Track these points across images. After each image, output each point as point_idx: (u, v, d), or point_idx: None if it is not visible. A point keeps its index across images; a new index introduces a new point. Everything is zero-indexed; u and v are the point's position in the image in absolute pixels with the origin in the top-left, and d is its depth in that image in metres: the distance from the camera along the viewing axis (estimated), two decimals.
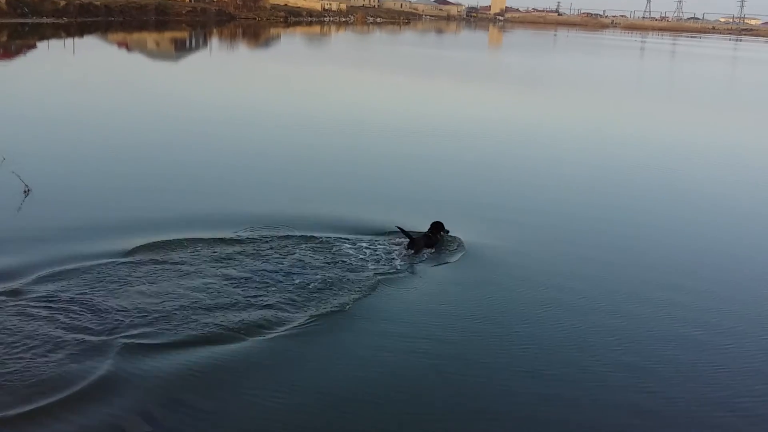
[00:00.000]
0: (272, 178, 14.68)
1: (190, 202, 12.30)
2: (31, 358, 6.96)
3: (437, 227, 10.75)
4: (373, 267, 9.76)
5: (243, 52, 59.23)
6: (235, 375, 6.96)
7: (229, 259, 9.72)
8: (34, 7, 67.14)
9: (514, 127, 24.60)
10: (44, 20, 65.72)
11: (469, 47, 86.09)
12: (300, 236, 10.61)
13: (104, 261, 9.34)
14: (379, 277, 9.39)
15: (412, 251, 10.26)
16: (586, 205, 14.13)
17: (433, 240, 10.63)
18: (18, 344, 7.18)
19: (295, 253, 10.01)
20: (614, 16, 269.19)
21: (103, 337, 7.41)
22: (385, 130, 21.67)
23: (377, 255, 10.17)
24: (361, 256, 10.05)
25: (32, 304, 8.05)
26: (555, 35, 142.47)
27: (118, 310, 8.02)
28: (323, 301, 8.62)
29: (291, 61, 49.18)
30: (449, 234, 10.87)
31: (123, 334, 7.49)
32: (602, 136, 23.76)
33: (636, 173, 17.55)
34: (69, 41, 50.79)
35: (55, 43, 49.28)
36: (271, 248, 10.18)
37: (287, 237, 10.56)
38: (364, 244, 10.46)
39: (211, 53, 54.45)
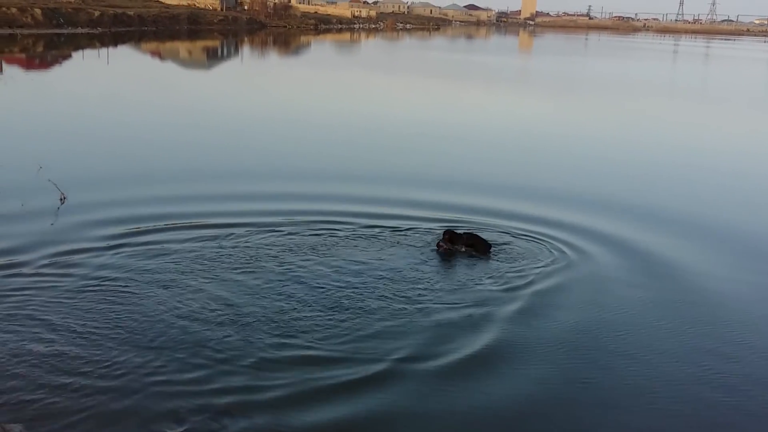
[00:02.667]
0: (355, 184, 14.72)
1: (218, 208, 12.25)
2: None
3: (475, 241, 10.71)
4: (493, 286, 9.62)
5: (274, 59, 59.59)
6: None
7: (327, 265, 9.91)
8: (69, 18, 68.25)
9: (552, 132, 24.33)
10: (79, 30, 66.76)
11: (499, 52, 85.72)
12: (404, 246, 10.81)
13: (141, 271, 9.36)
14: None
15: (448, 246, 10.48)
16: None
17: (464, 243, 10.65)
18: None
19: (401, 270, 9.92)
20: (646, 19, 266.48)
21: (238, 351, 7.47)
22: (416, 132, 21.56)
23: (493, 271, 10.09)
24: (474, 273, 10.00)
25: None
26: (586, 39, 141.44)
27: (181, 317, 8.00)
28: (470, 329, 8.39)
29: (322, 68, 49.32)
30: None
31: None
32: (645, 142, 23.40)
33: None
34: (103, 51, 51.47)
35: (89, 53, 49.98)
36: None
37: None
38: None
39: (242, 61, 54.88)
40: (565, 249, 11.06)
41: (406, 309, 8.68)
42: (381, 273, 9.72)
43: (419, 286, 9.40)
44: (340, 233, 11.30)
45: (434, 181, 15.33)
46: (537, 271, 10.13)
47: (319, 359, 7.40)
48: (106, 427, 6.13)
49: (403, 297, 9.03)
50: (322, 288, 9.14)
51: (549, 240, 11.40)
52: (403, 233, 11.46)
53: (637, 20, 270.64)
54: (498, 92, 37.92)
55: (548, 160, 18.79)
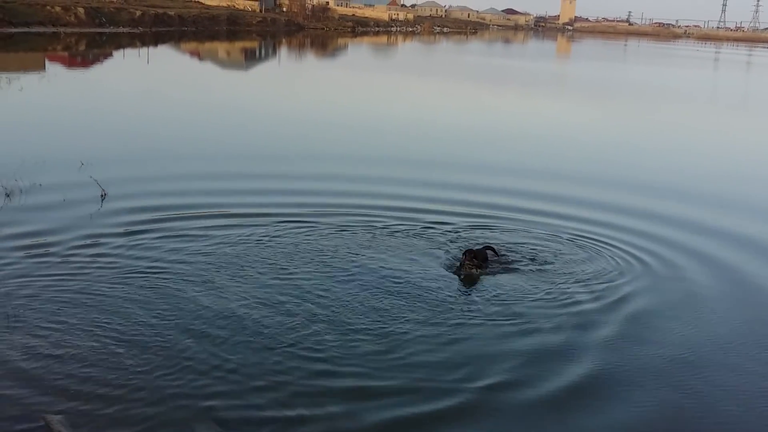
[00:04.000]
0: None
1: (259, 202, 12.33)
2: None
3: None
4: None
5: (311, 61, 59.90)
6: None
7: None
8: (111, 18, 69.39)
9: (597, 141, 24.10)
10: (121, 30, 67.82)
11: (537, 57, 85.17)
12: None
13: (182, 267, 9.48)
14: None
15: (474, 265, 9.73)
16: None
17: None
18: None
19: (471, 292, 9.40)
20: (687, 26, 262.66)
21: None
22: (455, 136, 21.51)
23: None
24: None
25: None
26: (625, 45, 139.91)
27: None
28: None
29: (359, 71, 49.46)
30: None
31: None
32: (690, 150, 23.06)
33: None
34: (143, 50, 52.21)
35: (130, 52, 50.73)
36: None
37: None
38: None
39: (279, 62, 55.24)
40: (628, 257, 10.76)
41: (471, 328, 8.26)
42: (430, 282, 9.43)
43: (476, 300, 9.03)
44: (387, 233, 11.37)
45: (476, 184, 15.21)
46: (607, 284, 9.72)
47: (375, 391, 6.89)
48: (146, 420, 6.19)
49: (463, 312, 8.64)
50: (368, 300, 8.77)
51: (603, 246, 11.20)
52: (447, 233, 11.51)
53: (678, 27, 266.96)
54: (536, 97, 37.66)
55: (591, 167, 18.60)
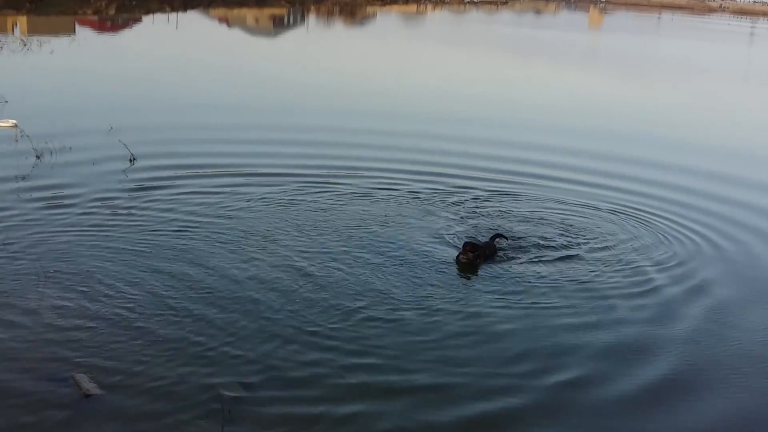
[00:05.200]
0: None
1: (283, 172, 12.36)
2: None
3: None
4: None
5: (339, 29, 59.51)
6: None
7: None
8: None
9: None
10: None
11: (568, 29, 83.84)
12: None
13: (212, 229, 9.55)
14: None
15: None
16: None
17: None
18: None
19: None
20: (722, 0, 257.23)
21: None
22: (489, 104, 21.31)
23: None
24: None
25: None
26: (659, 18, 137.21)
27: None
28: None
29: (387, 39, 49.06)
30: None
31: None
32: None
33: None
34: (172, 16, 52.15)
35: (159, 18, 50.68)
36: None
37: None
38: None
39: (308, 30, 54.93)
40: (683, 236, 10.47)
41: (536, 318, 7.88)
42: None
43: (541, 287, 8.61)
44: (414, 199, 11.50)
45: (509, 153, 15.07)
46: (664, 266, 9.37)
47: (440, 389, 6.55)
48: (173, 382, 6.28)
49: (525, 301, 8.27)
50: (400, 278, 8.55)
51: (651, 218, 11.07)
52: (476, 200, 11.55)
53: (713, 1, 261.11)
54: (567, 69, 37.13)
55: (630, 141, 18.35)
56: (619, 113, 23.19)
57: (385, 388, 6.45)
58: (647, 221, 11.10)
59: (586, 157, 15.48)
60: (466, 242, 9.20)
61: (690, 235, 10.68)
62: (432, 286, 8.45)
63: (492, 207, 11.33)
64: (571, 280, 8.84)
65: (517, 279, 8.81)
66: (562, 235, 10.27)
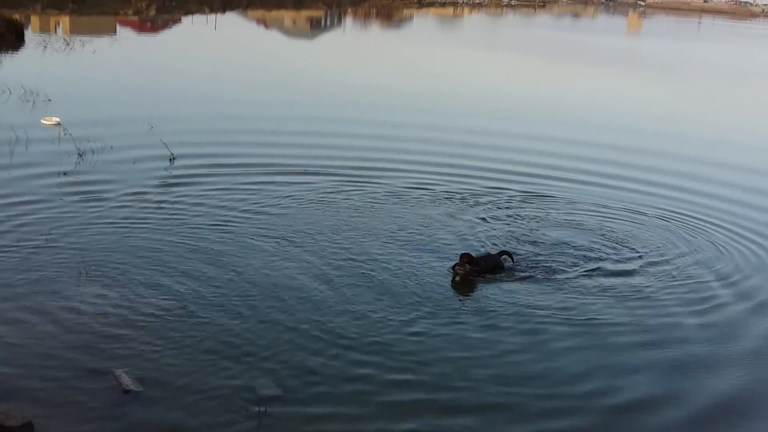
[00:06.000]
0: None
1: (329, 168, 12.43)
2: None
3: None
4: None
5: (376, 31, 59.62)
6: None
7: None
8: None
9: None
10: None
11: (606, 32, 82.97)
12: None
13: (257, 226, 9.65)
14: None
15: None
16: None
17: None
18: None
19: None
20: (765, 5, 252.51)
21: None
22: (526, 110, 21.20)
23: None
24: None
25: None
26: (699, 23, 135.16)
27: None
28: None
29: (424, 42, 49.02)
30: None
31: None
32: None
33: None
34: (211, 17, 52.69)
35: (198, 19, 51.24)
36: None
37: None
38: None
39: (344, 32, 55.11)
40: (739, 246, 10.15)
41: (594, 335, 7.59)
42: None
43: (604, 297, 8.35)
44: (447, 200, 11.53)
45: (548, 155, 14.99)
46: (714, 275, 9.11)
47: (494, 410, 6.27)
48: (210, 376, 6.34)
49: (580, 316, 7.91)
50: (437, 287, 8.38)
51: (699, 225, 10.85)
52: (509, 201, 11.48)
53: (756, 5, 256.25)
54: (606, 72, 36.74)
55: (672, 143, 18.09)
56: (661, 115, 22.85)
57: (431, 406, 6.23)
58: (700, 229, 10.84)
59: (629, 158, 15.33)
60: (463, 254, 8.71)
61: (750, 246, 10.31)
62: (478, 298, 8.30)
63: (528, 211, 11.27)
64: (627, 295, 8.50)
65: (570, 292, 8.45)
66: (609, 243, 10.00)
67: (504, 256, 9.14)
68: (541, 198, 11.98)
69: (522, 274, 8.86)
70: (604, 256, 9.56)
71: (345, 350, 6.93)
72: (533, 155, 14.94)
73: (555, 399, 6.46)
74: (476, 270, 8.58)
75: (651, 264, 9.46)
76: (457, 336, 7.37)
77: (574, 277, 8.85)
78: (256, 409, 5.94)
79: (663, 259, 9.65)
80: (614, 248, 9.87)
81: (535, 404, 6.35)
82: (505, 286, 8.56)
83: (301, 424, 5.89)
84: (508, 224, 10.64)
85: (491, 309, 7.99)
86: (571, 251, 9.65)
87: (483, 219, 10.80)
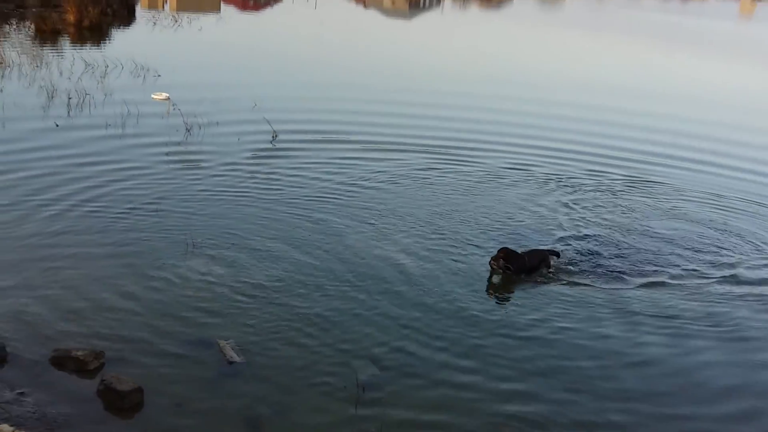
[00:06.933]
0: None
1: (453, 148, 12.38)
2: None
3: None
4: None
5: (474, 12, 58.87)
6: None
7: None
8: None
9: None
10: None
11: (716, 16, 79.29)
12: None
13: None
14: None
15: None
16: None
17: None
18: None
19: None
20: None
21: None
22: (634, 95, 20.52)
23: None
24: None
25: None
26: None
27: None
28: None
29: (525, 24, 48.09)
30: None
31: None
32: None
33: None
34: None
35: None
36: None
37: None
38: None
39: (443, 12, 54.65)
40: None
41: (737, 351, 6.99)
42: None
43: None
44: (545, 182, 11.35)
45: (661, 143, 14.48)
46: None
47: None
48: (311, 353, 6.41)
49: (716, 327, 7.27)
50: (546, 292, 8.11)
51: None
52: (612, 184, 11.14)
53: None
54: (720, 58, 35.12)
55: None
56: None
57: (537, 420, 5.83)
58: None
59: (749, 150, 14.65)
60: (501, 248, 8.14)
61: None
62: (592, 303, 7.68)
63: (636, 198, 10.93)
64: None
65: (704, 299, 7.79)
66: (729, 240, 9.40)
67: (551, 256, 8.43)
68: (646, 184, 11.61)
69: (612, 271, 8.27)
70: (728, 255, 8.95)
71: (443, 341, 6.83)
72: (643, 141, 14.56)
73: (692, 420, 5.93)
74: (509, 267, 7.93)
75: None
76: (573, 340, 6.97)
77: (701, 280, 8.24)
78: (355, 389, 5.96)
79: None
80: (735, 246, 9.29)
81: (666, 426, 5.83)
82: (609, 284, 8.06)
83: (399, 408, 5.86)
84: (612, 213, 10.31)
85: (603, 316, 7.44)
86: (685, 247, 9.18)
87: (586, 206, 10.49)
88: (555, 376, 6.37)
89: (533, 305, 7.60)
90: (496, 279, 7.97)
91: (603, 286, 8.01)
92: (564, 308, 7.55)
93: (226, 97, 15.80)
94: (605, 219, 10.03)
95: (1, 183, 9.73)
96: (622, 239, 9.32)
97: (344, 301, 7.35)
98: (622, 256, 8.76)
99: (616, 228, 9.71)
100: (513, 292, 7.86)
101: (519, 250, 8.19)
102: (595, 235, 9.36)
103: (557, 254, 8.51)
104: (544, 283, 8.06)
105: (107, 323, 6.62)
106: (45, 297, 6.95)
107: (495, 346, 6.78)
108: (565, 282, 8.08)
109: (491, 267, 8.05)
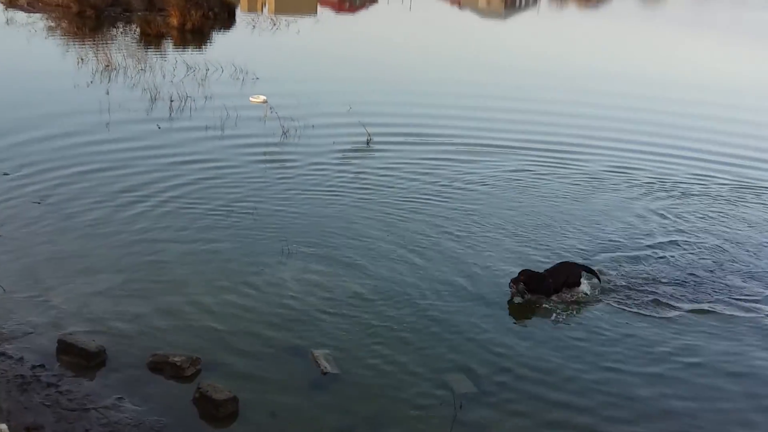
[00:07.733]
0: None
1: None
2: None
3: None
4: None
5: (572, 11, 57.58)
6: None
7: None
8: None
9: None
10: None
11: None
12: None
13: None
14: None
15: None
16: None
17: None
18: None
19: None
20: None
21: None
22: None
23: None
24: None
25: None
26: None
27: None
28: None
29: (627, 23, 46.67)
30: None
31: None
32: None
33: None
34: None
35: None
36: None
37: None
38: None
39: (539, 12, 53.65)
40: None
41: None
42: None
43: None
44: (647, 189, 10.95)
45: None
46: None
47: None
48: (404, 365, 6.25)
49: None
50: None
51: None
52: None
53: None
54: None
55: None
56: None
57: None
58: None
59: None
60: (523, 270, 7.54)
61: None
62: (681, 324, 7.18)
63: (747, 206, 10.33)
64: None
65: None
66: None
67: (588, 274, 7.74)
68: (755, 190, 11.01)
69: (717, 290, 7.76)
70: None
71: (539, 371, 6.39)
72: (754, 145, 13.85)
73: None
74: (525, 290, 7.38)
75: None
76: (700, 379, 6.42)
77: None
78: (451, 405, 5.75)
79: None
80: None
81: None
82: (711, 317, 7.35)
83: (495, 425, 5.63)
84: (718, 222, 9.72)
85: (691, 347, 6.86)
86: None
87: (687, 214, 9.92)
88: (677, 418, 5.89)
89: (631, 331, 7.15)
90: (518, 300, 7.44)
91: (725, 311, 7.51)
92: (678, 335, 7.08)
93: (321, 100, 15.88)
94: (707, 230, 9.46)
95: (105, 180, 10.11)
96: (727, 255, 8.73)
97: (441, 312, 7.15)
98: (735, 273, 8.23)
99: (722, 240, 9.11)
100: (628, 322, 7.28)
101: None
102: (693, 246, 8.87)
103: (595, 273, 7.73)
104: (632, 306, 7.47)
105: (204, 327, 6.65)
106: (144, 298, 7.07)
107: (603, 382, 6.31)
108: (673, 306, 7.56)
109: (511, 289, 7.47)
